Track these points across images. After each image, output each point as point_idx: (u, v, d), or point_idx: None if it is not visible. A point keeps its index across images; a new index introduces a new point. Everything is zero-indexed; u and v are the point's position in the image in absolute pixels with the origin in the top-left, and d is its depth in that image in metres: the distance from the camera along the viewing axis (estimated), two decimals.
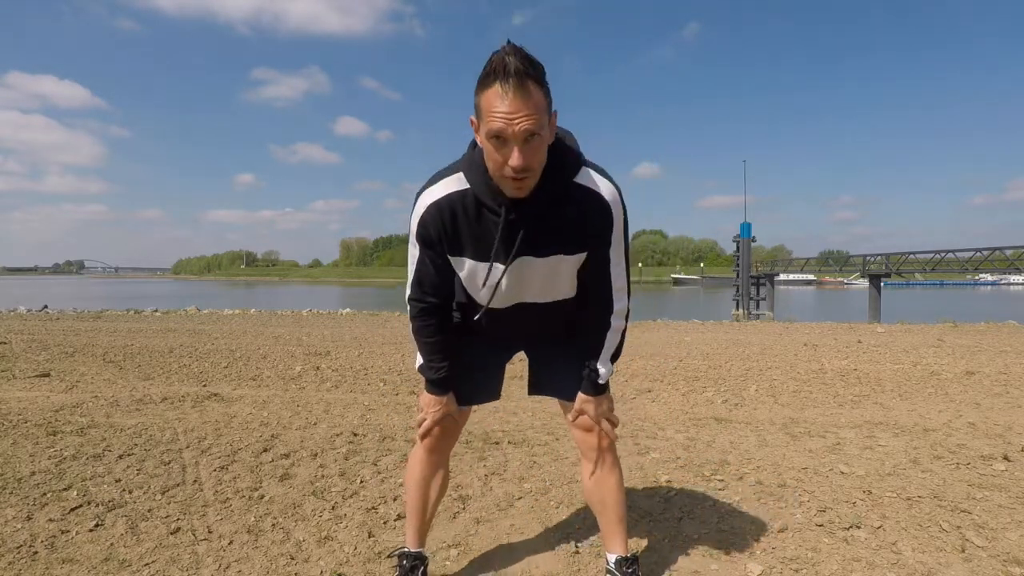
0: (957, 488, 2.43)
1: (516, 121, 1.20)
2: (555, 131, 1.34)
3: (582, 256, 1.45)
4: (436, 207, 1.39)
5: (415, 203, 1.43)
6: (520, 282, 1.47)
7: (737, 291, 29.31)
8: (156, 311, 12.88)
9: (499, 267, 1.42)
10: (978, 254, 22.99)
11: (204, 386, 4.54)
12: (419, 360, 1.60)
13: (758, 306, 28.76)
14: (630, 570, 1.63)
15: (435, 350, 1.56)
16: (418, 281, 1.50)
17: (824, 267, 36.35)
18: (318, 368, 5.40)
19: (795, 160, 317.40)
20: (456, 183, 1.39)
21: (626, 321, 1.55)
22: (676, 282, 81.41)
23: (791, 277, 50.14)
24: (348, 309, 14.69)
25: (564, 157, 1.36)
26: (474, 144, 1.39)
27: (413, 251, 1.48)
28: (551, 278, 1.48)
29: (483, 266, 1.43)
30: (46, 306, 15.09)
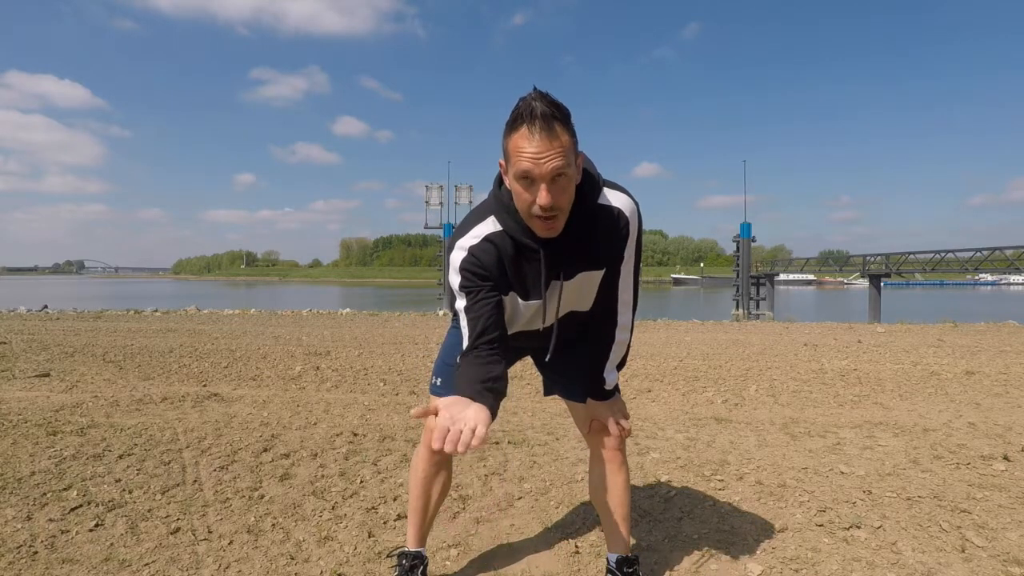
0: (957, 488, 2.43)
1: (543, 161, 1.23)
2: (581, 171, 1.36)
3: (603, 272, 1.49)
4: (477, 251, 1.40)
5: (451, 254, 1.43)
6: (551, 305, 1.51)
7: (737, 291, 29.32)
8: (156, 311, 12.88)
9: (543, 299, 1.45)
10: (978, 254, 23.00)
11: (204, 386, 4.54)
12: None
13: (758, 306, 28.77)
14: (631, 570, 1.63)
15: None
16: (479, 331, 1.40)
17: (824, 267, 36.38)
18: (318, 368, 5.40)
19: (795, 160, 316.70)
20: (490, 226, 1.41)
21: (630, 334, 1.59)
22: (676, 282, 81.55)
23: (791, 277, 50.21)
24: (348, 309, 14.70)
25: (586, 184, 1.38)
26: (499, 184, 1.41)
27: (461, 303, 1.44)
28: (575, 295, 1.52)
29: (524, 302, 1.47)
30: (46, 306, 15.10)
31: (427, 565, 1.74)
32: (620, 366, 1.61)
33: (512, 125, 1.26)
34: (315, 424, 3.44)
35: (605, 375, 1.57)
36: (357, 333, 8.54)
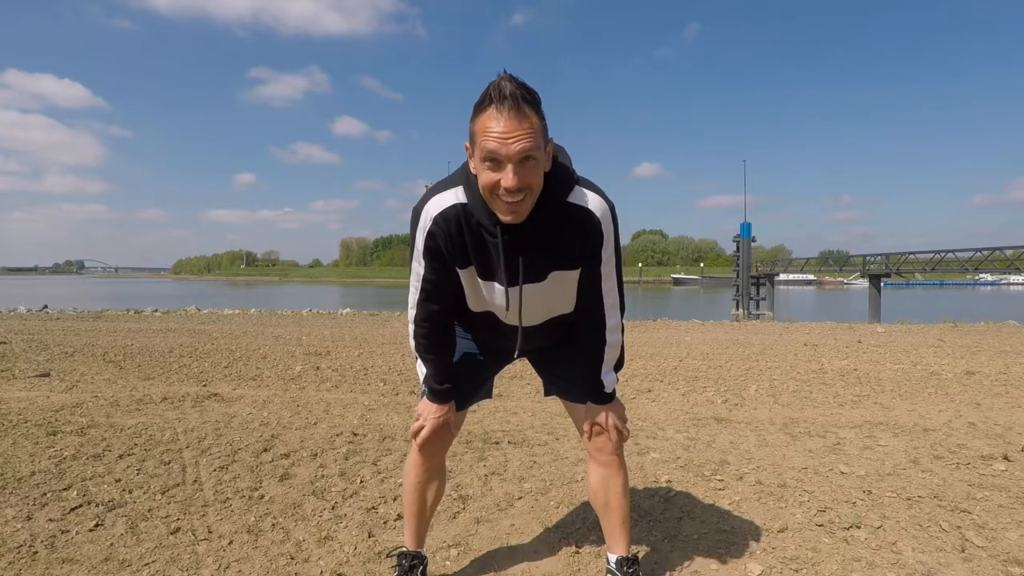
0: (957, 488, 2.43)
1: (511, 141, 1.19)
2: (551, 159, 1.33)
3: (578, 272, 1.46)
4: (442, 217, 1.37)
5: (418, 217, 1.41)
6: (524, 304, 1.48)
7: (737, 291, 29.32)
8: (156, 311, 12.88)
9: (505, 288, 1.43)
10: (978, 254, 22.99)
11: (204, 386, 4.54)
12: (422, 371, 1.60)
13: (758, 306, 28.77)
14: (631, 570, 1.63)
15: (440, 368, 1.57)
16: (425, 299, 1.48)
17: (824, 267, 36.34)
18: (318, 368, 5.40)
19: (795, 160, 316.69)
20: (455, 196, 1.38)
21: (621, 334, 1.57)
22: (676, 282, 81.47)
23: (791, 277, 50.15)
24: (348, 309, 14.69)
25: (557, 177, 1.35)
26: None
27: (418, 268, 1.45)
28: (551, 297, 1.49)
29: (486, 284, 1.45)
30: (46, 306, 15.09)
31: (427, 565, 1.74)
32: (618, 367, 1.60)
33: (480, 106, 1.23)
34: (315, 424, 3.44)
35: (603, 378, 1.56)
36: (357, 333, 8.54)
